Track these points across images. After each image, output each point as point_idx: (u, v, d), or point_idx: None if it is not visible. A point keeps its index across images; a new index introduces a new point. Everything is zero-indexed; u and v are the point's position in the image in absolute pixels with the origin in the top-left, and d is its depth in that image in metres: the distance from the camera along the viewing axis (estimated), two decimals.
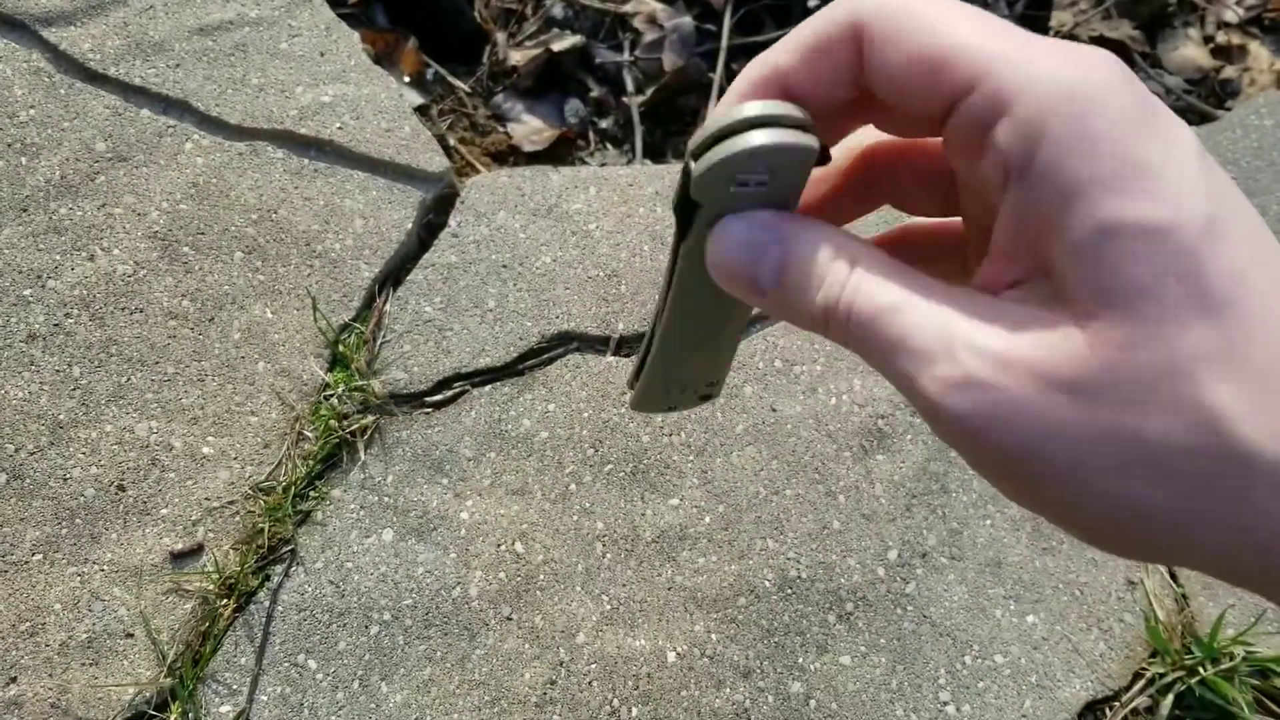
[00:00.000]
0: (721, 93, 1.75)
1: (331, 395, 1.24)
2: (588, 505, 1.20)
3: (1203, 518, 0.32)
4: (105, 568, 1.13)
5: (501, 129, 1.69)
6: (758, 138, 0.39)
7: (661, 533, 1.18)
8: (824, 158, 0.43)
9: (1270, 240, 0.34)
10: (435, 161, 1.42)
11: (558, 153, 1.67)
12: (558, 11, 1.84)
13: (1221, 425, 0.32)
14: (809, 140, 0.40)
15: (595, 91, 1.77)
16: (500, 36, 1.79)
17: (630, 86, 1.76)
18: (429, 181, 1.41)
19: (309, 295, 1.29)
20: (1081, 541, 0.37)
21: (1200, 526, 0.33)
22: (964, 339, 0.35)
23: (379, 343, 1.28)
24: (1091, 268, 0.33)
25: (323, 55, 1.49)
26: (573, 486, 1.21)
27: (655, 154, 1.70)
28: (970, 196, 0.43)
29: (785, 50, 0.41)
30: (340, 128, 1.42)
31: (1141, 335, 0.32)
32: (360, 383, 1.24)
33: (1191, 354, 0.32)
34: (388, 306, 1.31)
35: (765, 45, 1.82)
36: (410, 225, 1.36)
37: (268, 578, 1.15)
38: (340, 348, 1.27)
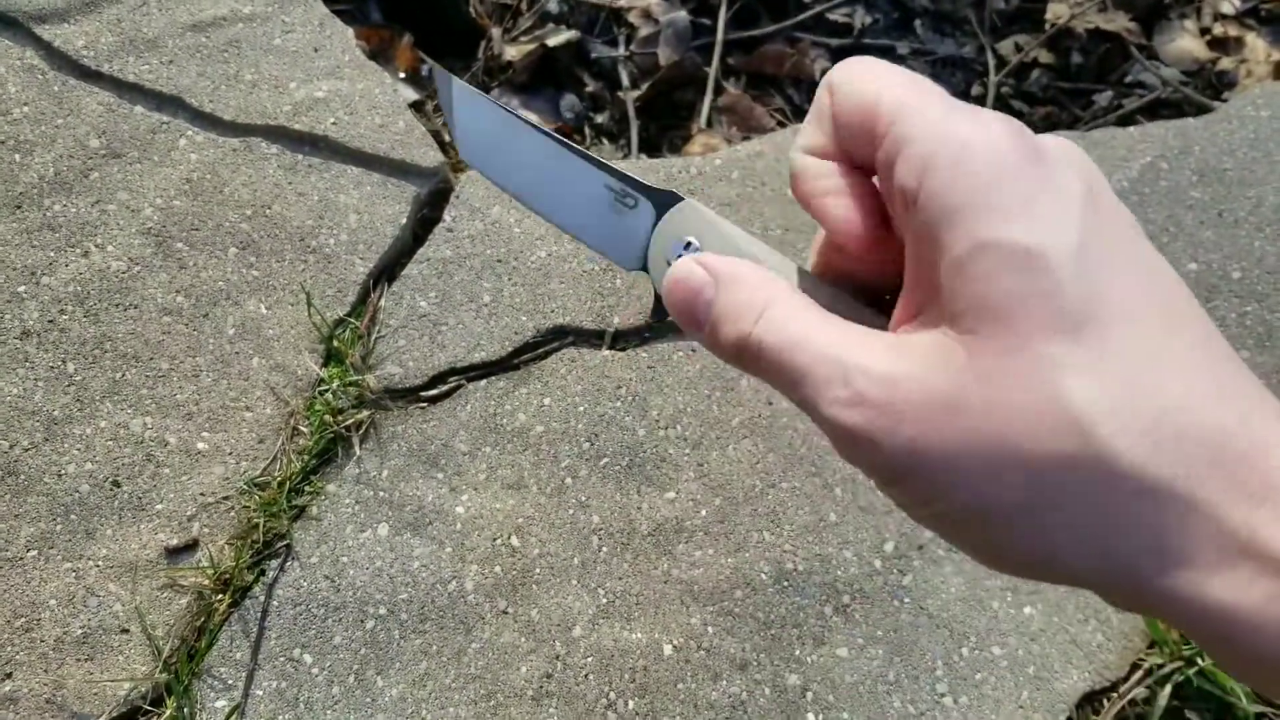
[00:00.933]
0: (717, 87, 1.75)
1: (326, 390, 1.24)
2: (584, 499, 1.19)
3: (1067, 523, 0.34)
4: (100, 563, 1.13)
5: None
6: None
7: (658, 526, 1.18)
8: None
9: (1158, 276, 0.37)
10: (429, 156, 1.42)
11: None
12: (553, 6, 1.83)
13: (1086, 429, 0.33)
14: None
15: (591, 86, 1.76)
16: (495, 32, 1.79)
17: (625, 81, 1.76)
18: (423, 176, 1.40)
19: (303, 290, 1.29)
20: (971, 558, 0.39)
21: (1064, 532, 0.34)
22: (857, 365, 0.38)
23: (374, 338, 1.28)
24: (968, 282, 0.36)
25: (316, 51, 1.49)
26: (568, 480, 1.20)
27: (651, 148, 1.70)
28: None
29: (807, 128, 0.45)
30: (334, 123, 1.42)
31: (1011, 346, 0.35)
32: (355, 378, 1.24)
33: (1054, 362, 0.34)
34: (382, 301, 1.30)
35: (761, 40, 1.82)
36: (405, 220, 1.36)
37: (263, 573, 1.14)
38: (335, 343, 1.27)
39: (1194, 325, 0.36)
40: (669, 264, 0.48)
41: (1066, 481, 0.34)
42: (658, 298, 0.49)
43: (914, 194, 0.38)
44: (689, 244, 0.48)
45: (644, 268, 0.50)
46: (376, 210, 1.36)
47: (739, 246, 0.48)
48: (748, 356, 0.42)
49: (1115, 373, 0.34)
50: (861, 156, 0.43)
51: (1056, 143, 0.39)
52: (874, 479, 0.39)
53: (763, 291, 0.43)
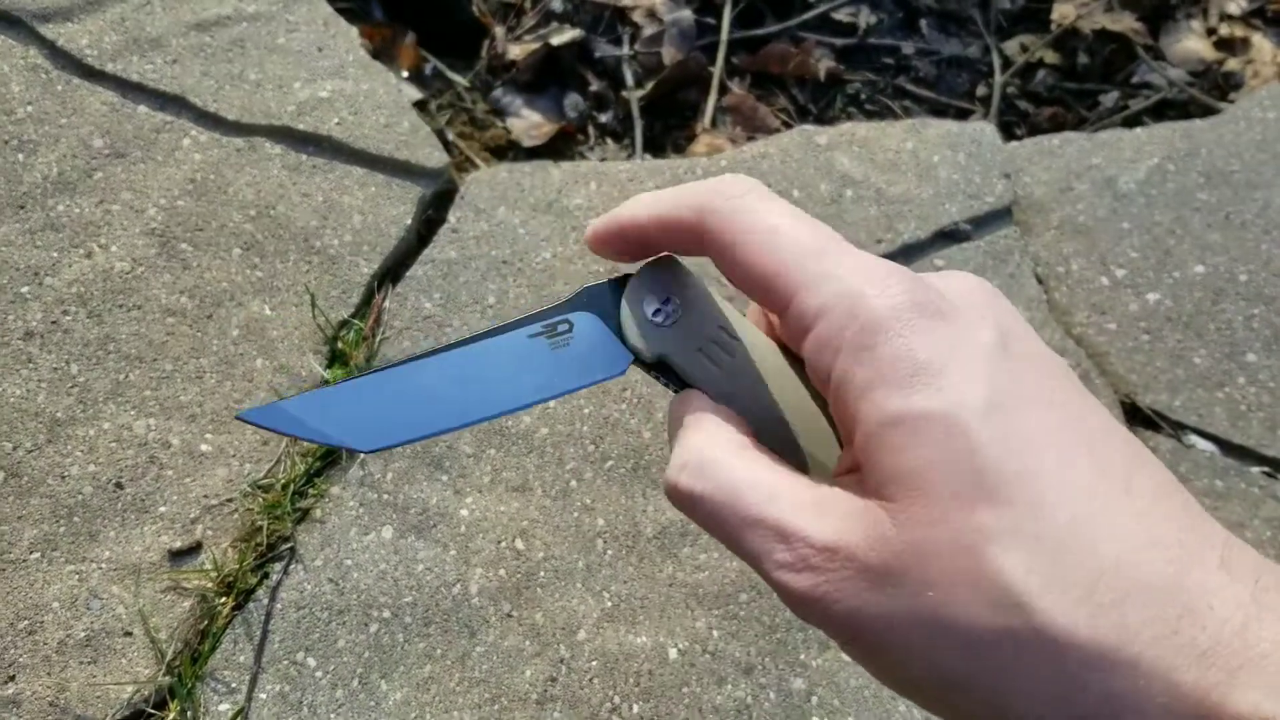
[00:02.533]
0: (721, 86, 1.75)
1: None
2: (588, 502, 1.19)
3: (1018, 692, 0.33)
4: (103, 566, 1.13)
5: (500, 123, 1.68)
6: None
7: (663, 529, 1.18)
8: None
9: (1084, 421, 0.36)
10: (434, 157, 1.41)
11: (557, 147, 1.67)
12: (557, 5, 1.83)
13: (1022, 601, 0.32)
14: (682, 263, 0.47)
15: (595, 86, 1.76)
16: (499, 30, 1.78)
17: (630, 80, 1.76)
18: (428, 177, 1.40)
19: (307, 291, 1.29)
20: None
21: (1017, 700, 0.33)
22: (799, 531, 0.37)
23: (378, 339, 1.28)
24: (881, 455, 0.36)
25: (320, 50, 1.49)
26: (573, 483, 1.20)
27: (655, 148, 1.70)
28: None
29: (645, 208, 0.45)
30: (339, 123, 1.41)
31: (933, 516, 0.34)
32: None
33: (980, 532, 0.33)
34: (387, 303, 1.30)
35: (766, 39, 1.81)
36: (409, 221, 1.36)
37: (266, 575, 1.14)
38: (339, 344, 1.27)
39: (1126, 467, 0.35)
40: (656, 323, 0.46)
41: (1012, 655, 0.33)
42: (665, 370, 0.46)
43: (825, 374, 0.39)
44: (668, 299, 0.46)
45: (637, 358, 0.46)
46: (381, 211, 1.36)
47: (714, 305, 0.46)
48: (684, 505, 0.41)
49: (1044, 536, 0.33)
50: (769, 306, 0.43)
51: (962, 288, 0.39)
52: (832, 639, 0.39)
53: (712, 438, 0.42)
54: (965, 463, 0.34)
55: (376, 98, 1.45)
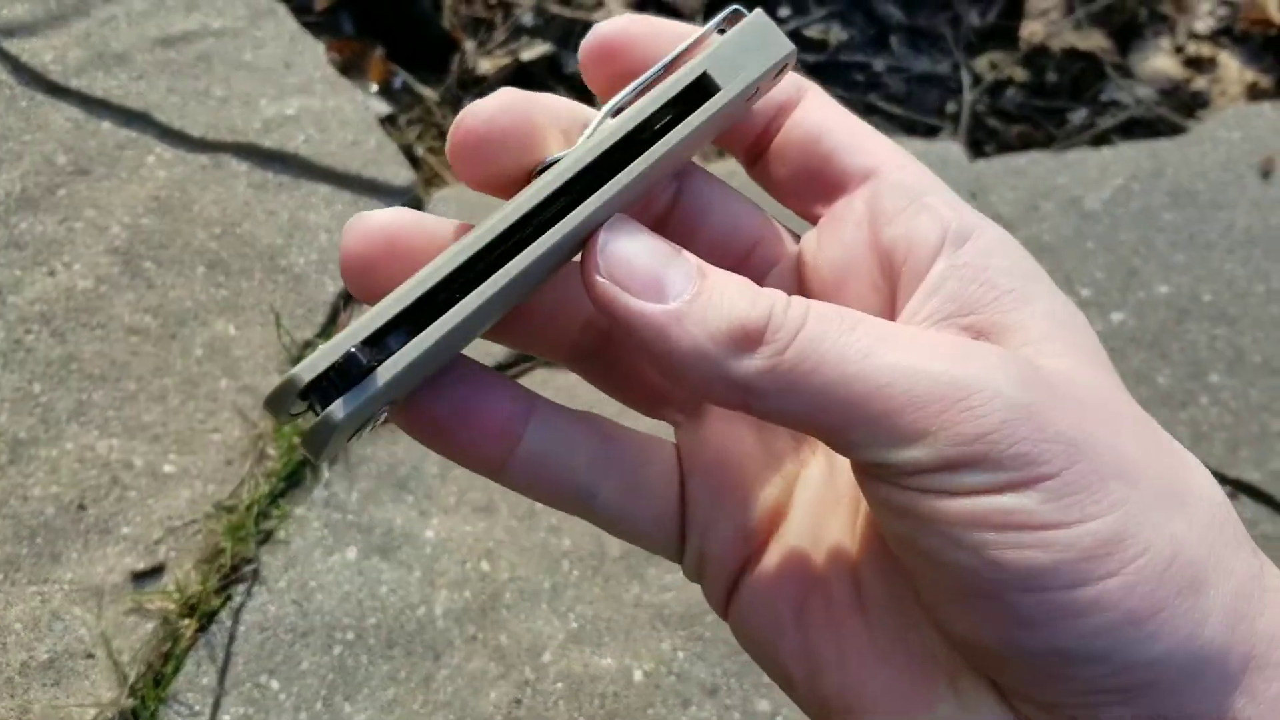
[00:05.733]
0: None
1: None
2: (554, 522, 1.19)
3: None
4: (66, 587, 1.12)
5: None
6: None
7: (628, 549, 1.18)
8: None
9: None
10: (401, 174, 1.41)
11: None
12: (527, 20, 1.83)
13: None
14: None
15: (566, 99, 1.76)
16: (469, 45, 1.78)
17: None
18: (395, 195, 1.40)
19: (272, 310, 1.28)
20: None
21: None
22: (984, 383, 0.31)
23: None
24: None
25: (287, 67, 1.48)
26: (539, 503, 1.20)
27: None
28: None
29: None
30: (305, 140, 1.41)
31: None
32: None
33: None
34: (353, 322, 1.29)
35: None
36: None
37: (230, 597, 1.14)
38: None
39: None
40: None
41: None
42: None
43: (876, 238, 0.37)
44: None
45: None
46: None
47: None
48: (767, 352, 0.32)
49: None
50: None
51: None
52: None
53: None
54: None
55: (343, 114, 1.45)
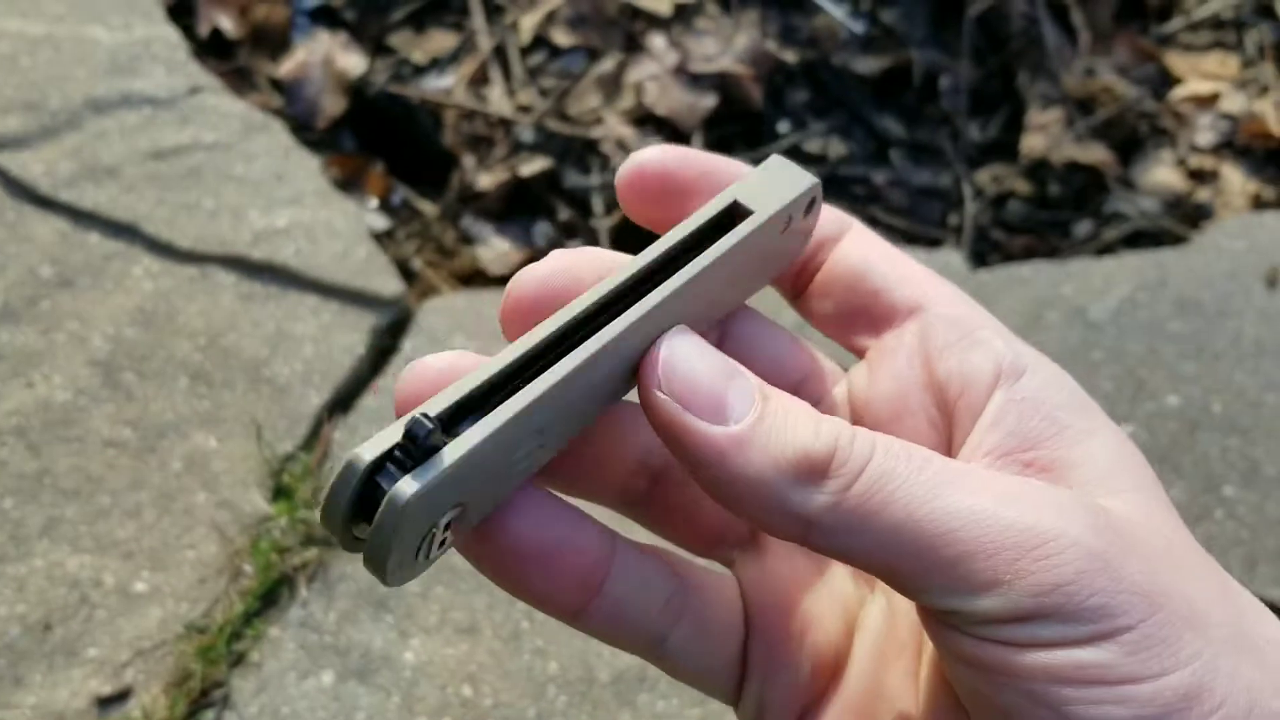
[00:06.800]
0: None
1: (273, 528, 1.19)
2: (540, 644, 1.14)
3: None
4: (29, 713, 1.07)
5: (469, 252, 1.67)
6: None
7: (619, 674, 1.12)
8: None
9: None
10: (390, 285, 1.39)
11: None
12: (527, 136, 1.83)
13: None
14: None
15: (564, 214, 1.75)
16: (468, 160, 1.78)
17: (599, 209, 1.75)
18: (383, 305, 1.37)
19: (254, 423, 1.25)
20: None
21: None
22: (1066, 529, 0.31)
23: (325, 472, 1.23)
24: None
25: (279, 179, 1.47)
26: (524, 624, 1.15)
27: None
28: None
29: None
30: (295, 252, 1.39)
31: None
32: (304, 514, 1.19)
33: None
34: (336, 434, 1.26)
35: None
36: (362, 350, 1.32)
37: None
38: (284, 478, 1.22)
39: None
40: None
41: None
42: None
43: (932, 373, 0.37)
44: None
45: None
46: (333, 340, 1.33)
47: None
48: (832, 488, 0.31)
49: None
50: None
51: None
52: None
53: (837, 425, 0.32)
54: None
55: (333, 227, 1.43)
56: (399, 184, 1.72)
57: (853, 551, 0.31)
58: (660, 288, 0.35)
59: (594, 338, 0.34)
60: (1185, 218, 1.75)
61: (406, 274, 1.59)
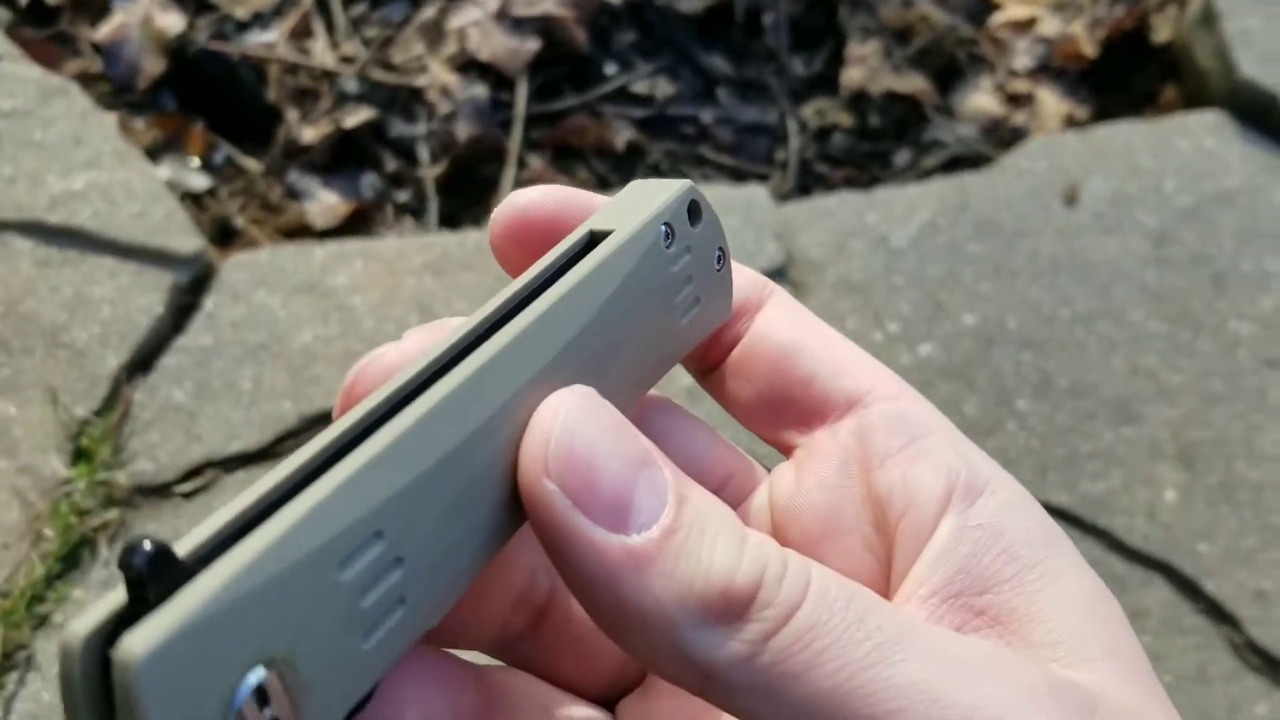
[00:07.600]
0: (520, 160, 1.75)
1: (73, 491, 1.19)
2: None
3: None
4: None
5: (296, 206, 1.66)
6: None
7: None
8: None
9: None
10: (189, 243, 1.39)
11: (355, 227, 1.65)
12: (351, 88, 1.82)
13: None
14: None
15: (391, 165, 1.75)
16: (292, 115, 1.77)
17: (425, 158, 1.75)
18: (182, 263, 1.37)
19: (50, 388, 1.25)
20: None
21: None
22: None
23: (125, 433, 1.24)
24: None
25: (77, 143, 1.46)
26: None
27: (453, 223, 1.69)
28: None
29: None
30: (93, 214, 1.38)
31: None
32: (104, 476, 1.20)
33: None
34: (136, 395, 1.26)
35: (564, 113, 1.82)
36: (161, 309, 1.32)
37: (1, 687, 1.09)
38: (84, 440, 1.22)
39: None
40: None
41: None
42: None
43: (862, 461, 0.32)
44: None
45: None
46: (131, 301, 1.32)
47: None
48: (759, 624, 0.24)
49: None
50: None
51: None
52: None
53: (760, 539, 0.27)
54: None
55: (131, 187, 1.42)
56: (223, 142, 1.71)
57: (760, 719, 0.25)
58: (509, 326, 0.27)
59: (431, 390, 0.26)
60: (1001, 142, 1.79)
61: (229, 232, 1.58)
